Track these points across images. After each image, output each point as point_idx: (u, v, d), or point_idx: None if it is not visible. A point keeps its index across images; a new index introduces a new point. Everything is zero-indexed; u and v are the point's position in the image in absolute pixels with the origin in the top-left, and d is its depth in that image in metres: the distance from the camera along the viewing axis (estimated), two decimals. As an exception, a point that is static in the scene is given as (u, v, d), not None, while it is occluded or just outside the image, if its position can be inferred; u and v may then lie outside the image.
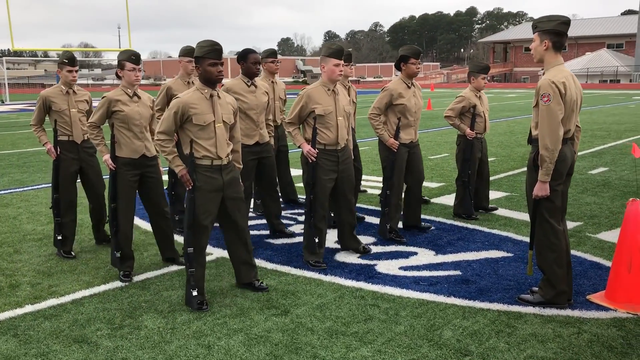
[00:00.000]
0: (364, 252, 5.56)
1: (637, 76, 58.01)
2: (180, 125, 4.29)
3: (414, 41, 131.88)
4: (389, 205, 5.96)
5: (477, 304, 4.38)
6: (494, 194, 8.05)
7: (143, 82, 79.70)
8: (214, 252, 5.70)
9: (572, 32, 74.29)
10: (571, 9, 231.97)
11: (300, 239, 6.05)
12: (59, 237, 5.64)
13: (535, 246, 4.36)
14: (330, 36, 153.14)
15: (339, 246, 5.76)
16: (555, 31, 4.05)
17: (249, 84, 5.78)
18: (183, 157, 4.42)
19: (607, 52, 65.76)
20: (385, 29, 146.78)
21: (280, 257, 5.51)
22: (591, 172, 9.66)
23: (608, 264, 5.19)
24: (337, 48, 5.13)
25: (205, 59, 4.23)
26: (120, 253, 4.96)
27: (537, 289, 4.49)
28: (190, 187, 4.25)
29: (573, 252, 5.49)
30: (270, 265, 5.30)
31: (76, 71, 5.58)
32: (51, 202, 5.68)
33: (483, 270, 5.10)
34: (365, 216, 7.00)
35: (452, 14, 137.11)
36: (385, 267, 5.23)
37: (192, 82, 6.23)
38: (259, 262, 5.36)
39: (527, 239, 5.95)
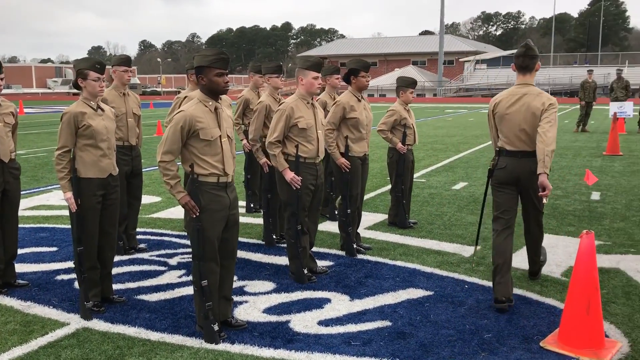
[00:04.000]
0: (322, 273, 5.35)
1: (440, 91, 63.49)
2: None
3: (232, 53, 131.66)
4: (346, 217, 5.83)
5: (430, 367, 3.64)
6: (374, 217, 7.53)
7: None
8: (71, 321, 4.31)
9: (381, 49, 79.71)
10: (377, 28, 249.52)
11: (180, 292, 4.91)
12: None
13: None
14: (145, 45, 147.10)
15: (233, 297, 4.71)
16: (515, 55, 4.61)
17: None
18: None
19: (413, 68, 71.29)
20: (203, 40, 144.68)
21: (165, 322, 4.30)
22: (455, 188, 9.62)
23: (534, 296, 4.80)
24: (316, 61, 5.12)
25: (211, 69, 3.89)
26: (92, 303, 4.44)
27: None
28: (196, 215, 3.87)
29: (490, 283, 5.05)
30: (154, 335, 4.07)
31: (2, 79, 4.87)
32: None
33: (413, 317, 4.39)
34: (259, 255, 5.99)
35: (268, 28, 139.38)
36: (301, 323, 4.29)
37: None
38: (137, 331, 4.13)
39: (437, 271, 5.45)
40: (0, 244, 4.87)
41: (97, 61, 4.53)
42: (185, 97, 6.21)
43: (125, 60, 5.84)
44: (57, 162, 4.40)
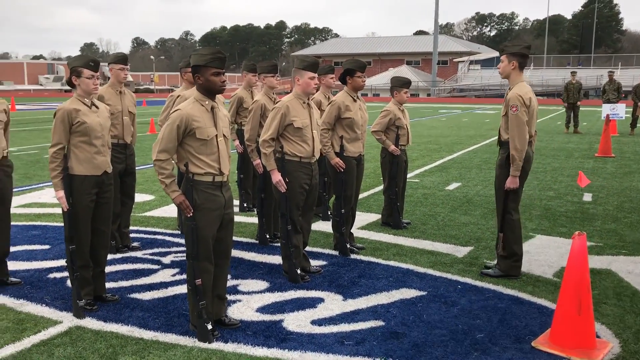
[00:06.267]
0: (315, 272, 5.36)
1: (434, 91, 63.59)
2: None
3: (226, 51, 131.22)
4: (340, 218, 5.85)
5: (423, 367, 3.66)
6: (367, 217, 7.54)
7: None
8: (64, 320, 4.30)
9: (375, 49, 79.73)
10: (371, 28, 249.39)
11: (174, 291, 4.91)
12: None
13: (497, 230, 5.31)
14: (138, 43, 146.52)
15: (227, 296, 4.71)
16: (521, 54, 4.99)
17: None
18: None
19: (407, 68, 71.31)
20: (197, 38, 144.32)
21: (159, 321, 4.30)
22: (448, 189, 9.65)
23: (526, 297, 4.83)
24: (312, 61, 5.11)
25: (208, 68, 3.88)
26: (84, 302, 4.44)
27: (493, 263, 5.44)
28: (190, 214, 3.87)
29: (483, 284, 5.11)
30: (148, 334, 4.07)
31: None
32: None
33: (405, 317, 4.41)
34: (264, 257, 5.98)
35: (262, 27, 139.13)
36: (294, 322, 4.29)
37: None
38: (130, 329, 4.13)
39: (430, 271, 5.46)
40: None
41: (91, 59, 4.52)
42: (179, 95, 6.21)
43: (121, 58, 5.84)
44: (51, 159, 4.37)
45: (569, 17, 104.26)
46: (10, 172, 4.95)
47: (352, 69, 5.80)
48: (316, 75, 5.07)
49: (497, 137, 5.32)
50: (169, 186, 3.90)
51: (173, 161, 3.98)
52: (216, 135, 3.97)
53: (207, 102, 3.98)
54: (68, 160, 4.40)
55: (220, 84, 3.94)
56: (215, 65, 3.89)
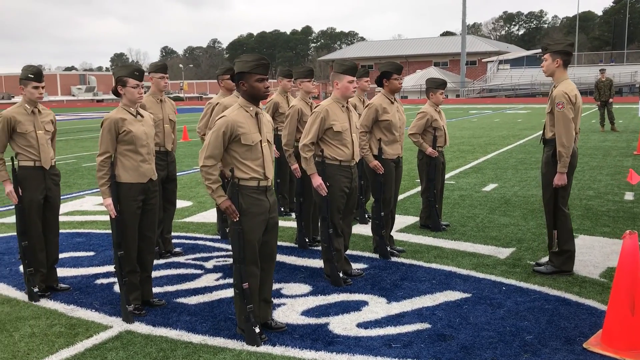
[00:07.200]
0: (357, 276, 5.36)
1: (463, 92, 63.03)
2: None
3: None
4: (380, 220, 5.82)
5: (474, 369, 3.63)
6: (405, 219, 7.51)
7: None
8: (114, 324, 4.38)
9: (403, 51, 79.30)
10: (397, 30, 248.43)
11: (219, 295, 4.96)
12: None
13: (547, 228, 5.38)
14: (167, 52, 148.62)
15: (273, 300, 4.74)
16: (565, 51, 5.05)
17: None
18: None
19: (435, 69, 70.77)
20: (224, 45, 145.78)
21: (206, 325, 4.35)
22: (485, 190, 9.55)
23: (573, 298, 4.75)
24: (351, 65, 5.11)
25: (252, 75, 3.95)
26: (133, 306, 4.53)
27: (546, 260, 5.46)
28: (237, 219, 3.93)
29: (528, 285, 5.05)
30: (196, 338, 4.12)
31: (43, 87, 4.97)
32: (19, 251, 4.91)
33: (452, 319, 4.38)
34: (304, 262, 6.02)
35: (288, 33, 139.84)
36: (340, 325, 4.30)
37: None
38: (179, 334, 4.19)
39: (473, 273, 5.42)
40: (43, 248, 4.98)
41: (136, 68, 4.61)
42: (218, 103, 6.28)
43: (161, 67, 5.95)
44: (99, 168, 4.46)
45: (599, 13, 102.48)
46: (58, 181, 5.08)
47: (388, 71, 5.80)
48: (355, 78, 5.08)
49: (540, 135, 5.32)
50: (215, 191, 3.96)
51: (219, 166, 4.04)
52: (260, 141, 4.02)
53: (251, 108, 4.03)
54: (115, 169, 4.49)
55: (264, 89, 3.99)
56: (259, 72, 3.94)
